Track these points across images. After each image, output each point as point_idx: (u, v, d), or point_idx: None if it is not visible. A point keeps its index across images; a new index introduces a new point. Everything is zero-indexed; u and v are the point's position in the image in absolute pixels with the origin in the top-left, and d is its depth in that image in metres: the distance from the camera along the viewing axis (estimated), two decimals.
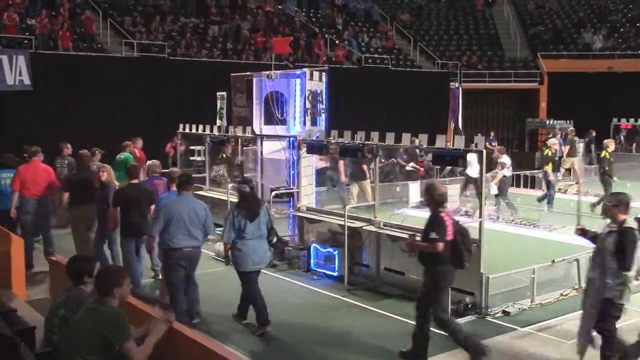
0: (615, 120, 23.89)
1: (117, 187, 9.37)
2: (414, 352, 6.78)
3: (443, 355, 6.94)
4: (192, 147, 17.26)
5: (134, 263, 8.74)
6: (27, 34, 20.06)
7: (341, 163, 14.52)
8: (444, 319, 6.71)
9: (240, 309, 7.94)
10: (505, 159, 14.93)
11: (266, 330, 7.48)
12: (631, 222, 6.22)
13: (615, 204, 6.22)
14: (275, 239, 8.06)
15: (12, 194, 10.14)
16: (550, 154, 15.51)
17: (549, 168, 15.21)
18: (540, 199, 15.69)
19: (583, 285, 9.10)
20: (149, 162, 10.68)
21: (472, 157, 14.58)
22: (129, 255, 8.77)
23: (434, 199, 6.78)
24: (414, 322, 6.97)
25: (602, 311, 6.16)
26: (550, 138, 18.16)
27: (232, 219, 7.44)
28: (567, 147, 20.04)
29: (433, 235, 6.55)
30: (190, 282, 7.71)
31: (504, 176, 14.73)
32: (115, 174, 10.33)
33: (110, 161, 12.26)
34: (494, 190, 14.52)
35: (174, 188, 8.31)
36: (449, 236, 6.59)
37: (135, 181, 9.02)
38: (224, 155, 14.54)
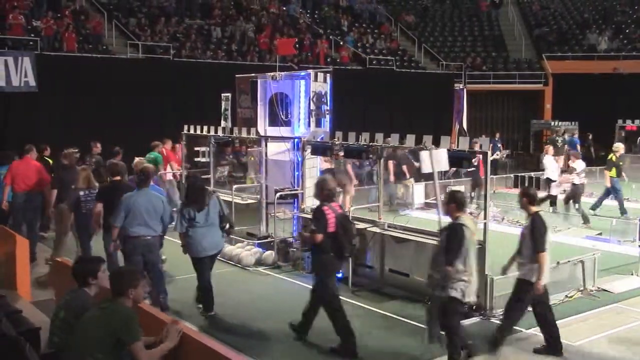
0: (620, 121, 23.85)
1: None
2: (301, 326, 7.35)
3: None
4: (196, 149, 17.27)
5: (114, 255, 8.79)
6: (32, 35, 20.12)
7: (390, 163, 15.08)
8: (327, 300, 7.16)
9: (206, 301, 8.31)
10: (577, 164, 14.18)
11: (208, 315, 8.10)
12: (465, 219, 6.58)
13: (447, 202, 6.71)
14: (227, 225, 8.53)
15: (4, 187, 10.82)
16: (614, 159, 14.74)
17: (612, 174, 14.42)
18: (594, 207, 14.82)
19: (588, 287, 9.16)
20: (135, 160, 11.09)
21: (547, 161, 14.51)
22: (109, 248, 8.86)
23: (322, 194, 7.25)
24: (418, 324, 6.96)
25: (443, 308, 6.45)
26: (616, 142, 16.90)
27: (181, 211, 8.10)
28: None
29: (312, 227, 7.10)
30: (156, 269, 8.24)
31: (574, 184, 14.10)
32: None
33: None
34: (554, 191, 14.12)
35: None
36: (330, 228, 7.01)
37: (118, 178, 9.16)
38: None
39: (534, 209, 6.92)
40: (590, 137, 24.50)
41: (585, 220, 13.87)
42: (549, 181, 15.30)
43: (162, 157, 14.05)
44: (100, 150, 13.72)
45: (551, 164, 15.47)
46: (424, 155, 8.98)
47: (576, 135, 24.59)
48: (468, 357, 6.65)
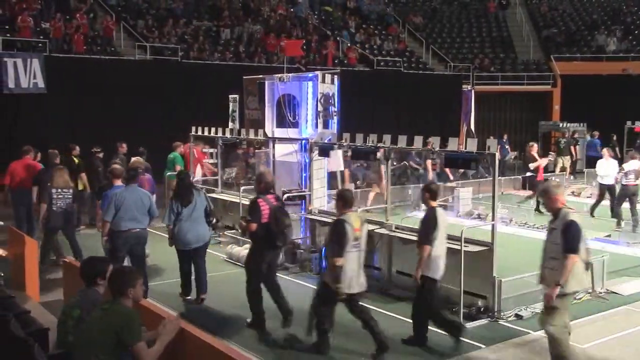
0: (629, 122, 23.71)
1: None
2: (283, 313, 7.84)
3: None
4: (204, 150, 17.31)
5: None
6: (41, 37, 20.22)
7: (429, 163, 15.45)
8: (251, 287, 7.83)
9: (184, 287, 8.96)
10: (631, 164, 13.66)
11: (186, 299, 8.78)
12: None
13: (337, 200, 7.13)
14: (214, 220, 9.11)
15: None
16: None
17: None
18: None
19: (597, 289, 9.12)
20: (132, 159, 11.44)
21: (606, 165, 14.26)
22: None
23: (259, 187, 7.90)
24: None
25: (317, 292, 7.09)
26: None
27: (170, 205, 8.74)
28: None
29: (248, 217, 7.74)
30: (141, 261, 8.76)
31: (622, 185, 13.74)
32: (166, 172, 13.42)
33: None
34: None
35: (118, 182, 9.07)
36: (264, 219, 7.61)
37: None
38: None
39: (433, 204, 7.38)
40: (615, 137, 24.33)
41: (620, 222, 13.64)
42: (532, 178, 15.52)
43: (187, 157, 14.55)
44: (126, 150, 14.05)
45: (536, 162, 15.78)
46: (331, 154, 10.86)
47: (597, 136, 24.38)
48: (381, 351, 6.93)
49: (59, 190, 10.16)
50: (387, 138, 9.96)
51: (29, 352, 4.44)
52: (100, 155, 14.17)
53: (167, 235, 8.90)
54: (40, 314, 6.53)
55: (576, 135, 24.71)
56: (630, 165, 13.71)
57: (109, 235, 8.50)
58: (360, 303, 7.10)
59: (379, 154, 10.16)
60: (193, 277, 8.90)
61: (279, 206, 7.80)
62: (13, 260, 8.85)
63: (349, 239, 6.65)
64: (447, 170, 16.27)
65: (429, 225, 7.19)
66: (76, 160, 13.27)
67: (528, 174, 16.00)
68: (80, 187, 12.79)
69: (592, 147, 23.88)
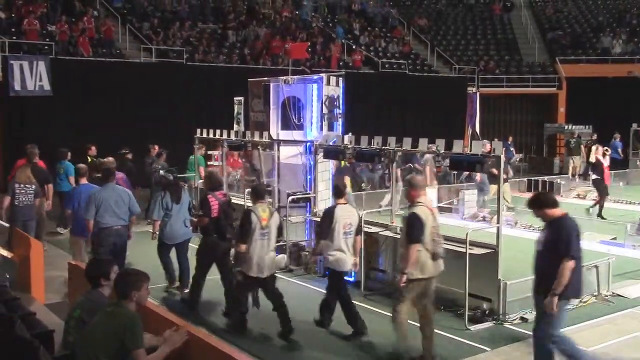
0: (635, 125, 23.67)
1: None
2: (191, 299, 8.61)
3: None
4: (209, 152, 17.34)
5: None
6: (47, 40, 20.29)
7: (428, 169, 15.44)
8: (195, 278, 8.57)
9: (176, 278, 9.47)
10: None
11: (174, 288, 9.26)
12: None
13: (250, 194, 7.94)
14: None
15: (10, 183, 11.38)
16: None
17: None
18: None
19: (603, 292, 9.09)
20: (105, 160, 11.71)
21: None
22: None
23: (208, 185, 8.70)
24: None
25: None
26: None
27: (161, 201, 9.17)
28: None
29: (201, 213, 8.45)
30: (122, 258, 8.95)
31: None
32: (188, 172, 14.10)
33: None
34: None
35: (84, 181, 9.75)
36: (214, 214, 8.24)
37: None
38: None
39: (340, 201, 7.83)
40: (595, 137, 24.30)
41: None
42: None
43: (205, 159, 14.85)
44: (157, 152, 14.65)
45: None
46: (255, 154, 12.05)
47: (618, 139, 24.27)
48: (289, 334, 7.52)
49: (21, 185, 10.50)
50: (392, 140, 9.95)
51: (34, 354, 4.44)
52: (130, 156, 14.58)
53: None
54: (46, 316, 6.54)
55: (594, 137, 24.66)
56: None
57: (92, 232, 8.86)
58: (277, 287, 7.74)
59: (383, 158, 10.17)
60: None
61: (227, 202, 8.44)
62: (19, 263, 8.87)
63: (255, 228, 7.38)
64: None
65: (324, 219, 7.67)
66: (89, 160, 13.62)
67: (593, 177, 15.66)
68: None
69: (614, 150, 23.81)
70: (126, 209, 8.92)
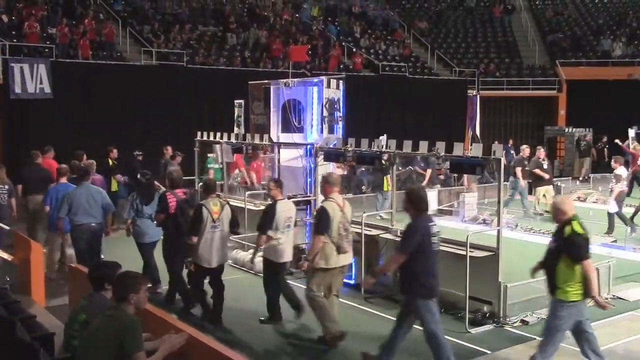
0: (635, 127, 23.64)
1: None
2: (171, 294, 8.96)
3: None
4: (209, 155, 17.35)
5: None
6: (47, 42, 20.31)
7: (519, 170, 15.55)
8: (175, 272, 8.75)
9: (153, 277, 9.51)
10: (621, 170, 13.68)
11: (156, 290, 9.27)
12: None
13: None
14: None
15: None
16: None
17: None
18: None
19: (603, 295, 9.07)
20: (87, 161, 11.85)
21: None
22: None
23: (168, 183, 9.06)
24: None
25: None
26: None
27: (132, 201, 9.47)
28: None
29: (157, 209, 8.78)
30: (94, 254, 9.32)
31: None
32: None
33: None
34: (613, 207, 13.36)
35: (63, 180, 10.18)
36: (171, 210, 8.55)
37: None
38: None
39: (279, 196, 8.25)
40: (605, 139, 24.29)
41: (610, 229, 13.42)
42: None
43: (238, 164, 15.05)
44: (171, 153, 14.97)
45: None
46: (216, 149, 12.70)
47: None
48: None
49: None
50: (392, 143, 9.95)
51: (34, 357, 4.44)
52: (140, 157, 14.99)
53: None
54: (46, 319, 6.54)
55: (605, 140, 24.63)
56: (621, 171, 13.70)
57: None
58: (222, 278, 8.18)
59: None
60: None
61: (185, 199, 8.66)
62: (19, 265, 8.87)
63: (206, 221, 7.74)
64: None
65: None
66: (110, 162, 14.07)
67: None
68: (114, 188, 13.67)
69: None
70: (99, 207, 9.33)
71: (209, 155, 14.95)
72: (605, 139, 24.55)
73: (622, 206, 13.59)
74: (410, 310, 6.52)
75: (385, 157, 9.97)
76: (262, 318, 8.21)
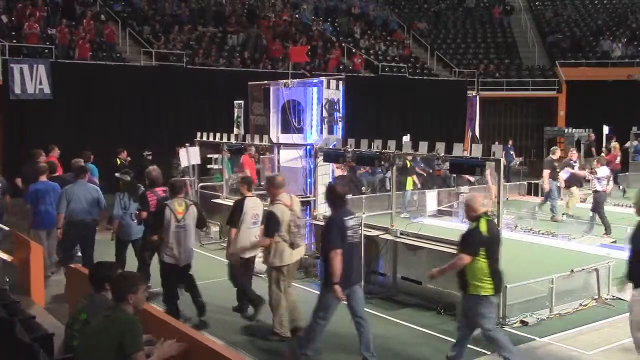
0: (635, 128, 23.66)
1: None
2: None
3: None
4: (209, 156, 17.37)
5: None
6: (47, 43, 20.31)
7: (546, 173, 15.32)
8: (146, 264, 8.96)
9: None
10: (602, 171, 13.70)
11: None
12: None
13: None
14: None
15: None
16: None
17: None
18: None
19: (603, 295, 9.08)
20: (73, 160, 12.04)
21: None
22: None
23: (147, 182, 9.20)
24: (431, 331, 6.97)
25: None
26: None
27: (119, 200, 9.62)
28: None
29: (138, 207, 9.01)
30: (91, 250, 9.81)
31: (594, 190, 13.64)
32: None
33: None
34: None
35: (43, 178, 10.40)
36: (152, 208, 8.72)
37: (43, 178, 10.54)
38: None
39: (248, 193, 8.45)
40: (594, 137, 24.29)
41: (607, 229, 13.42)
42: None
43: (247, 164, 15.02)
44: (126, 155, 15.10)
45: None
46: (182, 152, 13.10)
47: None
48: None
49: None
50: (391, 144, 9.96)
51: (34, 358, 4.44)
52: (150, 158, 15.21)
53: None
54: (46, 319, 6.54)
55: (614, 140, 24.59)
56: (603, 171, 13.71)
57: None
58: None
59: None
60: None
61: (164, 197, 8.75)
62: (18, 266, 8.88)
63: (169, 221, 7.91)
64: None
65: (234, 210, 8.23)
66: (118, 162, 14.26)
67: None
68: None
69: (638, 153, 23.74)
70: (95, 203, 9.80)
71: (208, 155, 14.97)
72: (614, 139, 24.51)
73: (602, 206, 13.65)
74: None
75: (410, 157, 10.01)
76: (242, 311, 8.44)
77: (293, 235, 7.47)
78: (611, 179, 14.17)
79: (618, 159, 15.54)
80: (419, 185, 17.27)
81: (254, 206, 8.35)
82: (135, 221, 9.38)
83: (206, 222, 8.61)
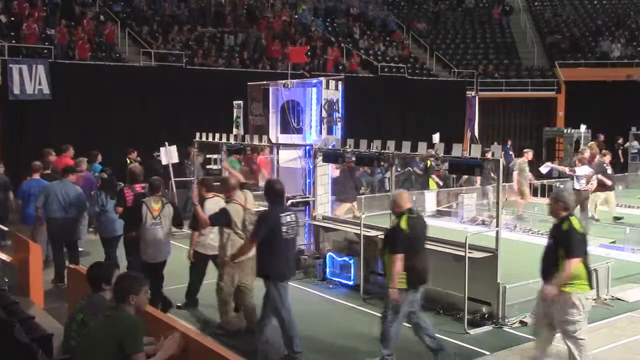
0: (634, 129, 23.69)
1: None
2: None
3: None
4: (208, 156, 17.37)
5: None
6: (46, 43, 20.30)
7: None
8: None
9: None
10: (580, 170, 13.76)
11: None
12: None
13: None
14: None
15: None
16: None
17: None
18: None
19: (602, 296, 9.09)
20: (79, 159, 12.39)
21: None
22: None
23: (128, 178, 9.37)
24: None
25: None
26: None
27: (96, 197, 10.02)
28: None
29: (115, 203, 9.26)
30: (75, 247, 10.24)
31: (574, 189, 13.64)
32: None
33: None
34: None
35: (36, 176, 10.96)
36: (129, 204, 8.89)
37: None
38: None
39: (208, 195, 8.68)
40: (621, 139, 24.25)
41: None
42: None
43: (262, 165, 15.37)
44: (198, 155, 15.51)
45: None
46: (162, 150, 13.45)
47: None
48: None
49: None
50: (390, 144, 9.95)
51: (33, 358, 4.44)
52: (160, 158, 15.45)
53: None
54: (45, 320, 6.54)
55: (620, 141, 24.62)
56: (582, 170, 13.73)
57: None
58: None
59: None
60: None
61: (141, 193, 8.90)
62: (17, 266, 8.88)
63: (145, 218, 8.13)
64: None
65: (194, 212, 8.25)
66: (128, 162, 14.52)
67: None
68: None
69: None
70: (72, 202, 10.02)
71: (231, 157, 15.00)
72: (621, 140, 24.54)
73: (585, 205, 13.78)
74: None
75: (431, 157, 10.03)
76: (179, 304, 8.79)
77: (249, 232, 7.58)
78: (594, 178, 14.12)
79: (597, 159, 15.67)
80: (441, 184, 17.14)
81: (214, 208, 8.35)
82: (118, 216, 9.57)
83: (181, 221, 8.69)
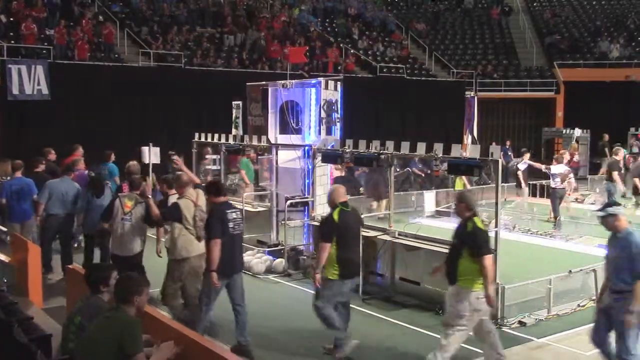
0: (632, 129, 23.72)
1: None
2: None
3: None
4: (207, 156, 17.35)
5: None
6: (45, 44, 20.29)
7: (615, 174, 14.77)
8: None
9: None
10: (554, 168, 14.01)
11: None
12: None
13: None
14: None
15: None
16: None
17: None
18: None
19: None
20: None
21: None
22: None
23: (126, 176, 9.77)
24: (429, 332, 6.95)
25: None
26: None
27: (84, 195, 10.34)
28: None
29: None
30: (68, 242, 10.70)
31: (550, 187, 14.01)
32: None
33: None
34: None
35: (18, 174, 10.88)
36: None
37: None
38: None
39: (171, 192, 8.86)
40: (607, 138, 24.29)
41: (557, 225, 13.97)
42: None
43: (252, 161, 15.42)
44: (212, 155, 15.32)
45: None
46: (145, 150, 13.63)
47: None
48: None
49: None
50: (389, 144, 9.96)
51: (32, 359, 4.44)
52: (174, 158, 15.19)
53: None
54: (43, 321, 6.53)
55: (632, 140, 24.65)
56: (557, 168, 13.93)
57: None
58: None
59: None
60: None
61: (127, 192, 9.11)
62: (16, 267, 8.87)
63: (117, 212, 8.48)
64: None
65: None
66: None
67: None
68: None
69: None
70: (71, 200, 10.43)
71: (243, 157, 15.00)
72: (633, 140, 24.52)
73: (559, 202, 14.16)
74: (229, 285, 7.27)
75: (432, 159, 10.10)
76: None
77: (199, 229, 7.77)
78: (571, 177, 14.41)
79: (576, 157, 15.93)
80: (468, 187, 16.87)
81: (190, 207, 8.41)
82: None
83: (152, 220, 8.55)
